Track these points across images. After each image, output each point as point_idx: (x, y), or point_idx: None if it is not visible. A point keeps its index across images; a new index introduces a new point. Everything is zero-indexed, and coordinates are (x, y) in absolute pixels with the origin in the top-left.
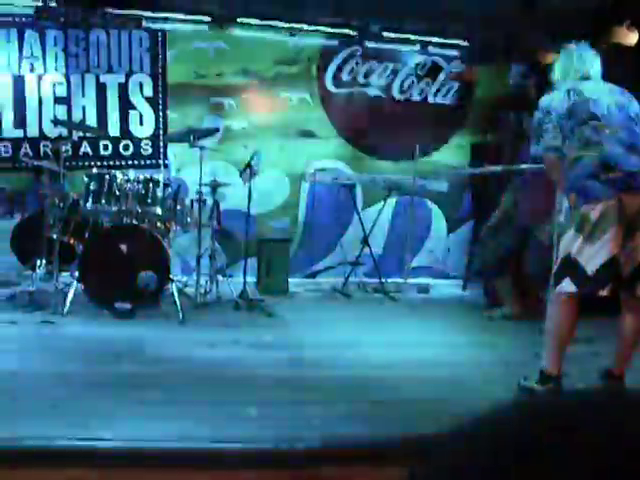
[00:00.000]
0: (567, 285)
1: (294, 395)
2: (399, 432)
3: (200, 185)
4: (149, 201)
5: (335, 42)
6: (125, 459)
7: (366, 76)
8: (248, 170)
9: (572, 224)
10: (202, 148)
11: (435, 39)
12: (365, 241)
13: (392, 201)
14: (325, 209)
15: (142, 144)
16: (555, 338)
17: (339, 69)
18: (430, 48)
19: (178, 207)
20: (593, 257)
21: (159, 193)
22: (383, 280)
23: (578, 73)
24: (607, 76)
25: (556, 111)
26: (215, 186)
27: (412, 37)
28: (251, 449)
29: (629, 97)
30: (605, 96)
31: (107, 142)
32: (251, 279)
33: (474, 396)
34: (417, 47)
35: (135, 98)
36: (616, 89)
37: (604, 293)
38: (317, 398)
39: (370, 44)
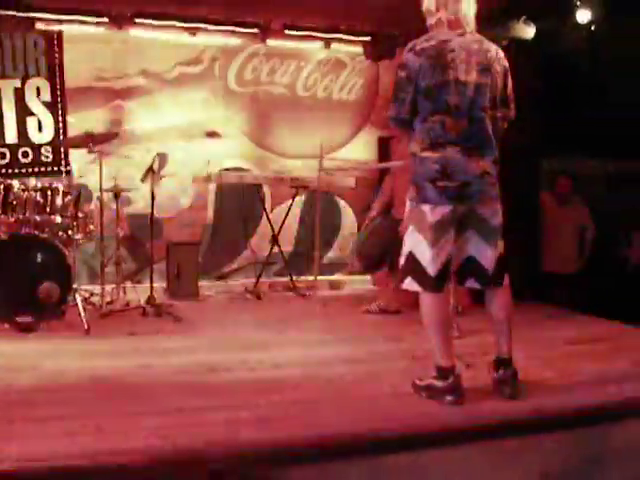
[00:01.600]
0: (411, 284)
1: (197, 401)
2: (302, 433)
3: (100, 191)
4: (48, 210)
5: (237, 41)
6: None
7: (269, 74)
8: (150, 174)
9: (412, 221)
10: (101, 153)
11: (338, 36)
12: (274, 240)
13: (300, 199)
14: (233, 210)
15: (42, 150)
16: (435, 332)
17: (242, 68)
18: (333, 45)
19: (80, 214)
20: (434, 259)
21: (58, 201)
22: (294, 278)
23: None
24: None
25: (418, 80)
26: (117, 191)
27: (315, 34)
28: (154, 460)
29: (499, 62)
30: (470, 69)
31: (4, 150)
32: (160, 284)
33: (375, 393)
34: (320, 44)
35: (32, 103)
36: (485, 47)
37: (443, 291)
38: (220, 403)
39: (272, 42)
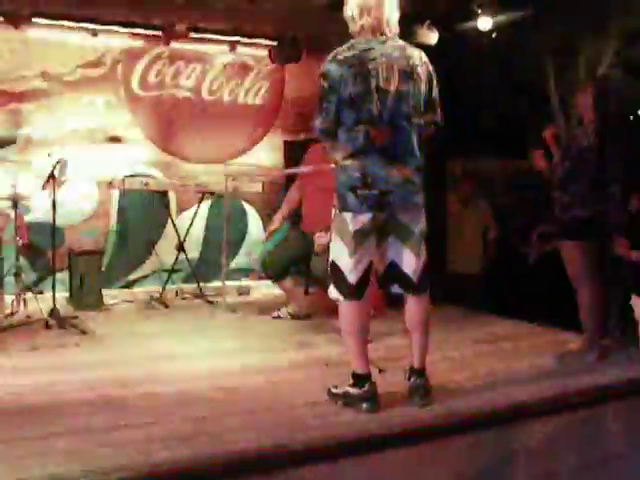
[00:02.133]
0: (333, 292)
1: (108, 420)
2: (222, 448)
3: None
4: None
5: (140, 43)
6: None
7: (174, 77)
8: (51, 180)
9: (335, 228)
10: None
11: (243, 39)
12: (180, 247)
13: (206, 205)
14: (137, 216)
15: None
16: (351, 339)
17: (146, 71)
18: (239, 48)
19: None
20: (354, 268)
21: None
22: (202, 285)
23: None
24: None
25: (340, 90)
26: (16, 199)
27: (220, 37)
28: None
29: (422, 67)
30: (394, 77)
31: None
32: (63, 295)
33: (295, 402)
34: (226, 47)
35: None
36: (407, 53)
37: (362, 299)
38: (134, 421)
39: (177, 44)
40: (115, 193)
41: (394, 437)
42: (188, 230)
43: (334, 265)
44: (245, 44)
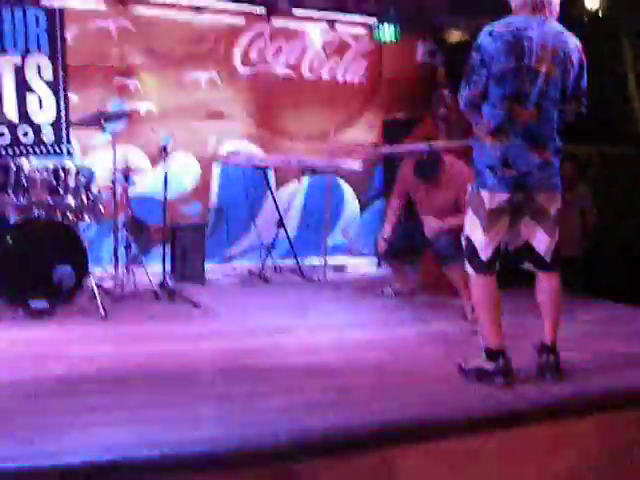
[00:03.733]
0: (468, 268)
1: (246, 388)
2: (365, 420)
3: (114, 172)
4: (61, 191)
5: (242, 20)
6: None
7: (274, 55)
8: (162, 154)
9: (471, 205)
10: (113, 132)
11: (342, 17)
12: (280, 223)
13: (305, 182)
14: (238, 192)
15: (43, 130)
16: (485, 314)
17: (247, 48)
18: (338, 25)
19: (90, 196)
20: (487, 245)
21: (71, 182)
22: (299, 261)
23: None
24: None
25: (492, 65)
26: (127, 173)
27: (320, 15)
28: (218, 451)
29: (575, 54)
30: (549, 60)
31: (3, 129)
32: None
33: (429, 376)
34: (325, 25)
35: (33, 81)
36: (563, 38)
37: (494, 274)
38: (270, 390)
39: (278, 22)
40: (217, 168)
41: (532, 412)
42: (287, 207)
43: (468, 240)
44: (344, 22)
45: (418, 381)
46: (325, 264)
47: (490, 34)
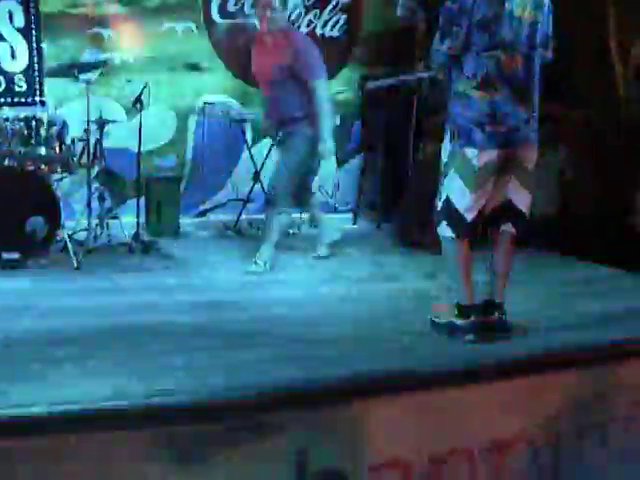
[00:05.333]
0: (445, 229)
1: (215, 342)
2: (335, 371)
3: (88, 123)
4: (32, 142)
5: None
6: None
7: (253, 5)
8: (138, 104)
9: (452, 164)
10: (88, 82)
11: None
12: (256, 177)
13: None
14: (214, 145)
15: (15, 79)
16: (460, 272)
17: None
18: None
19: (63, 147)
20: (473, 206)
21: (43, 132)
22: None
23: None
24: None
25: (473, 12)
26: (102, 123)
27: None
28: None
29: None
30: (523, 4)
31: None
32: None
33: (397, 330)
34: None
35: (4, 29)
36: None
37: (476, 235)
38: (239, 343)
39: None
40: (193, 121)
41: (502, 369)
42: (264, 161)
43: (448, 202)
44: None
45: (392, 336)
46: (300, 218)
47: None
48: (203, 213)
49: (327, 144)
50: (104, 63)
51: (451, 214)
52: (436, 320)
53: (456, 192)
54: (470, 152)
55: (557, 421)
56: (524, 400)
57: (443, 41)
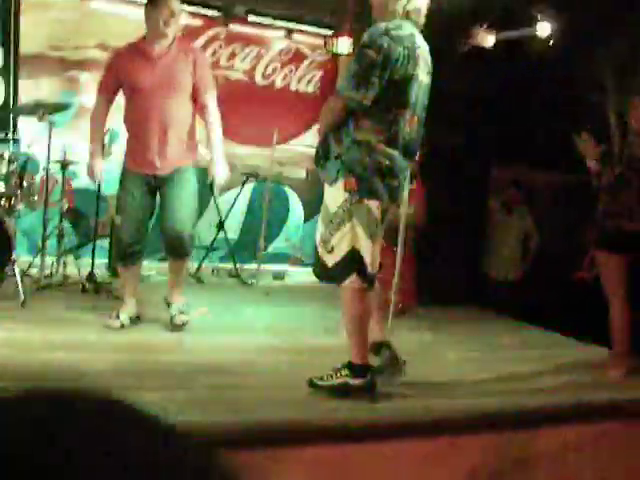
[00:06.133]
0: (355, 281)
1: (131, 382)
2: (240, 418)
3: (48, 162)
4: None
5: (199, 22)
6: None
7: (229, 59)
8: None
9: (355, 215)
10: (51, 123)
11: (300, 26)
12: (221, 225)
13: (250, 187)
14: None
15: None
16: (359, 329)
17: (202, 50)
18: (295, 35)
19: (24, 184)
20: (374, 257)
21: (3, 169)
22: (238, 265)
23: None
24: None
25: (393, 68)
26: (65, 163)
27: (277, 23)
28: None
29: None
30: (424, 69)
31: None
32: (103, 261)
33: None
34: (282, 33)
35: None
36: (426, 50)
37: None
38: (155, 384)
39: (234, 27)
40: None
41: (404, 428)
42: (229, 210)
43: (354, 253)
44: (302, 32)
45: (302, 388)
46: (258, 269)
47: (387, 35)
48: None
49: None
50: (67, 106)
51: (358, 265)
52: (320, 382)
53: (360, 243)
54: (372, 203)
55: None
56: (440, 461)
57: (360, 89)
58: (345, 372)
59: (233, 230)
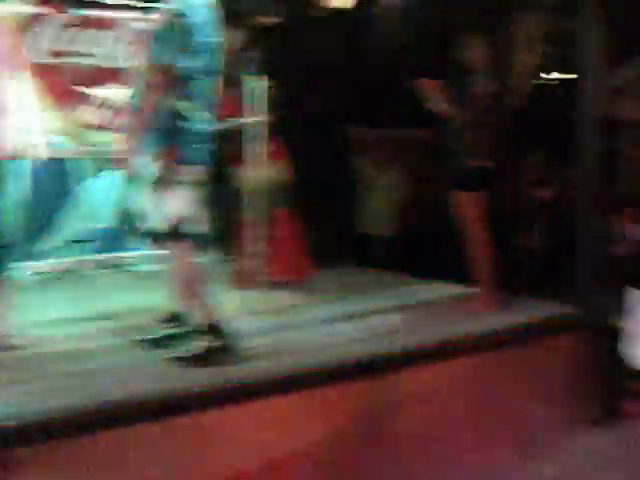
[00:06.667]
0: (185, 243)
1: None
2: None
3: None
4: None
5: (36, 9)
6: None
7: (80, 44)
8: None
9: (180, 182)
10: None
11: (158, 5)
12: (87, 217)
13: (115, 174)
14: (42, 185)
15: None
16: (202, 288)
17: (51, 38)
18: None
19: None
20: (203, 217)
21: None
22: (110, 255)
23: None
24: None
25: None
26: None
27: (132, 3)
28: None
29: None
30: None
31: None
32: None
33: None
34: (139, 14)
35: None
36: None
37: None
38: (19, 376)
39: (88, 11)
40: (19, 162)
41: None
42: (95, 200)
43: (185, 217)
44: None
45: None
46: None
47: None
48: (34, 256)
49: None
50: None
51: (190, 227)
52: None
53: (187, 206)
54: (196, 170)
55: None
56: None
57: (191, 57)
58: (204, 336)
59: (102, 219)
